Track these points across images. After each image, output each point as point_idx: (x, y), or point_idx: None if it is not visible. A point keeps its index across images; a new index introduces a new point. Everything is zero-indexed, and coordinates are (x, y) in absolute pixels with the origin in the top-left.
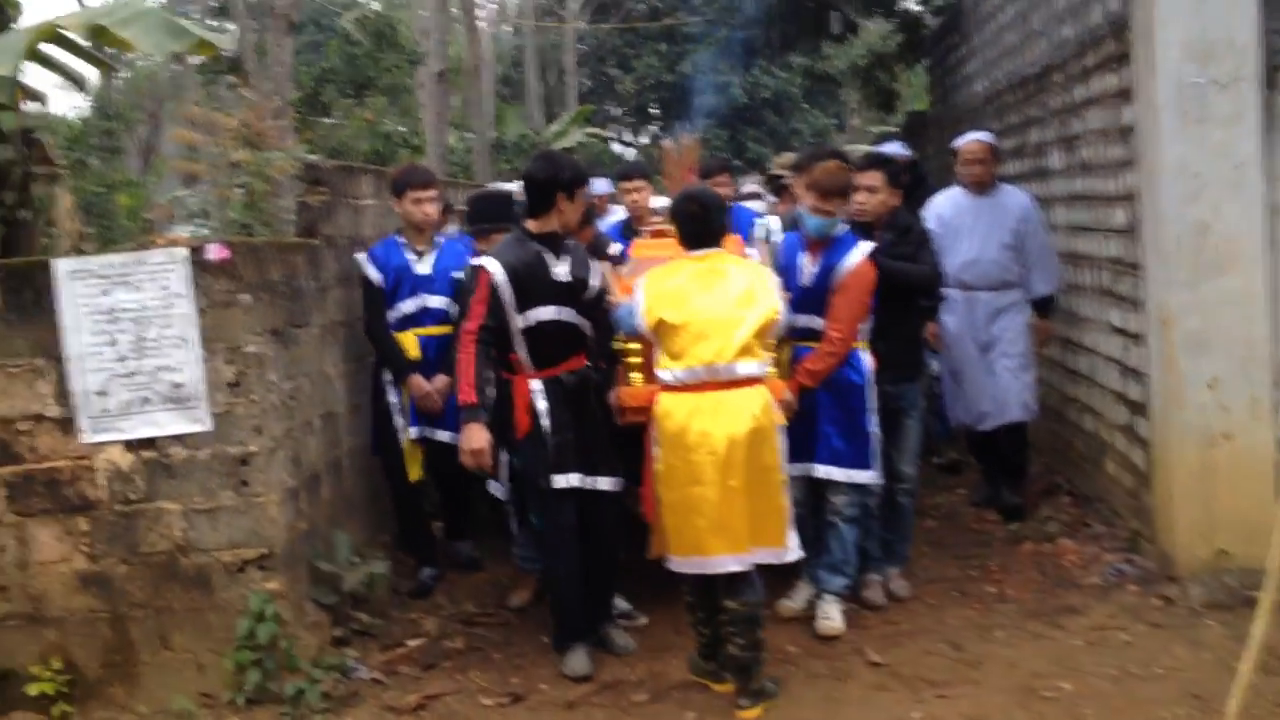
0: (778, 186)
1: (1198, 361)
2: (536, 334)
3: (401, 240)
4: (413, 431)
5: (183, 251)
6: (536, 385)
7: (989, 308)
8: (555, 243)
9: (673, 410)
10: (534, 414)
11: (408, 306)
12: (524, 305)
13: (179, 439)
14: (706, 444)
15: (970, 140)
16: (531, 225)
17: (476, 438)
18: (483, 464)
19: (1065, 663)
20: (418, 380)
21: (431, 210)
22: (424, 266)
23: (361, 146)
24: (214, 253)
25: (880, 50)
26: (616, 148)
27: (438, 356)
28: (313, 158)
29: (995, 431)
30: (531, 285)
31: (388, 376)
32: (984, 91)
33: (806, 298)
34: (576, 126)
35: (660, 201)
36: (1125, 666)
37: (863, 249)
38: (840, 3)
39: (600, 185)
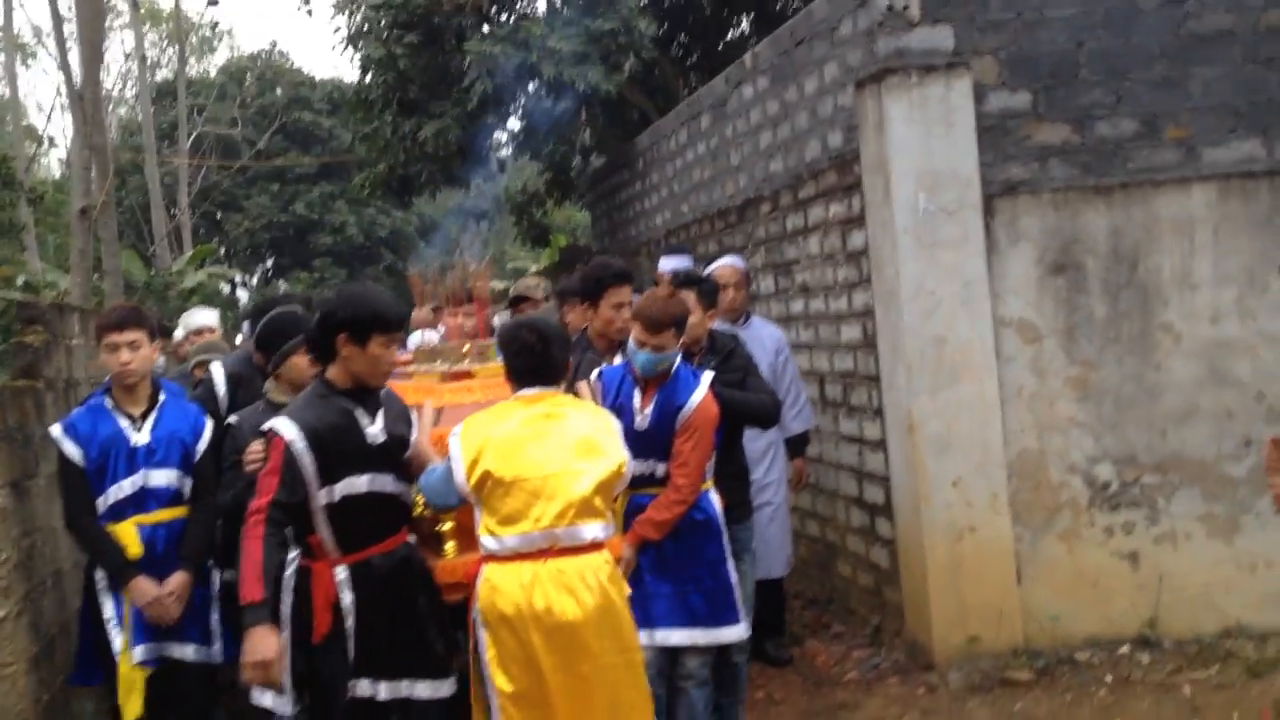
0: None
1: (941, 462)
2: (344, 510)
3: (107, 404)
4: (136, 653)
5: None
6: (342, 574)
7: (751, 450)
8: (365, 396)
9: (503, 585)
10: (337, 610)
11: (124, 488)
12: (329, 476)
13: None
14: (549, 622)
15: (722, 265)
16: (334, 377)
17: (264, 645)
18: (271, 680)
19: None
20: (142, 584)
21: (130, 359)
22: (142, 435)
23: None
24: None
25: (533, 189)
26: (225, 289)
27: (167, 550)
28: (22, 296)
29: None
30: (339, 451)
31: (101, 582)
32: (665, 225)
33: (642, 441)
34: (194, 266)
35: (417, 338)
36: None
37: (705, 382)
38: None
39: (202, 317)
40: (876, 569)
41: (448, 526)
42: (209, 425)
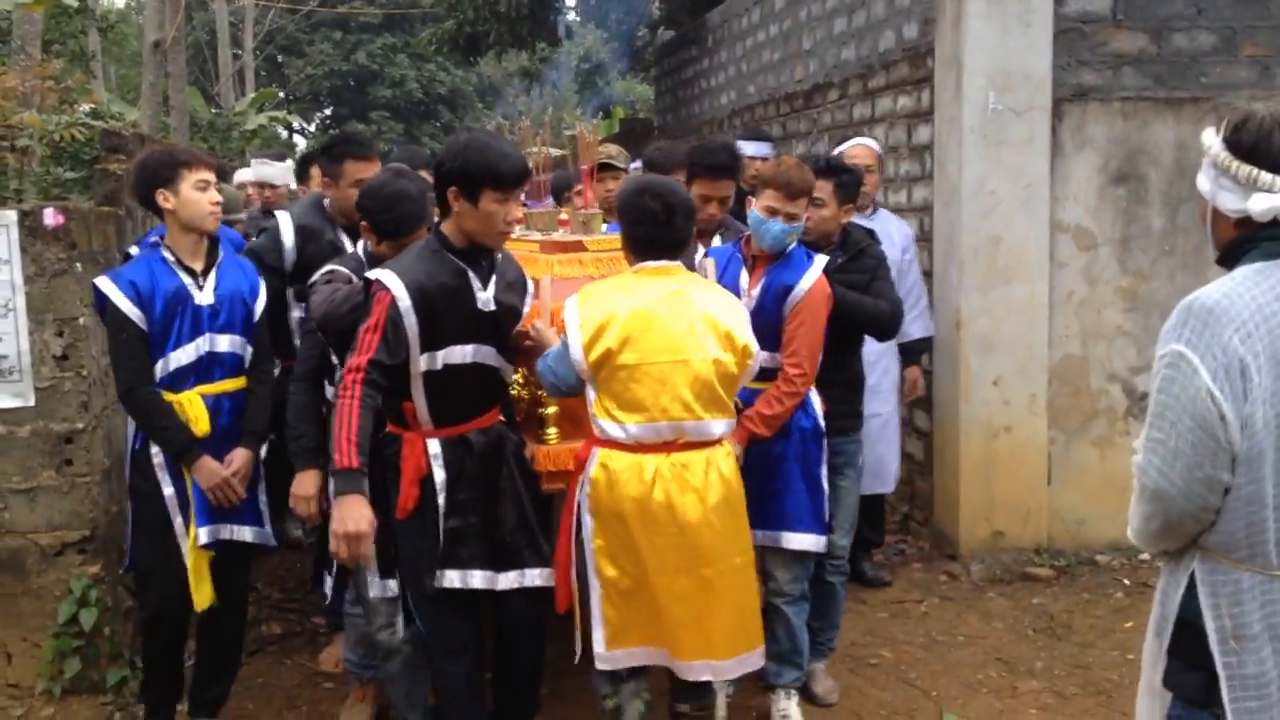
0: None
1: (985, 360)
2: (443, 380)
3: (168, 255)
4: (202, 535)
5: (11, 215)
6: (435, 447)
7: (867, 352)
8: (479, 256)
9: (623, 476)
10: (427, 486)
11: (187, 353)
12: (433, 342)
13: None
14: (673, 521)
15: (856, 146)
16: (449, 231)
17: (356, 515)
18: (362, 554)
19: (878, 633)
20: (209, 464)
21: (218, 200)
22: (205, 294)
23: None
24: (50, 218)
25: (598, 58)
26: (284, 133)
27: (232, 424)
28: (106, 123)
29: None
30: (447, 316)
31: (158, 459)
32: (730, 105)
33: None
34: (256, 109)
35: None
36: (931, 635)
37: (819, 265)
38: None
39: (273, 172)
40: (910, 459)
41: (551, 410)
42: (263, 284)
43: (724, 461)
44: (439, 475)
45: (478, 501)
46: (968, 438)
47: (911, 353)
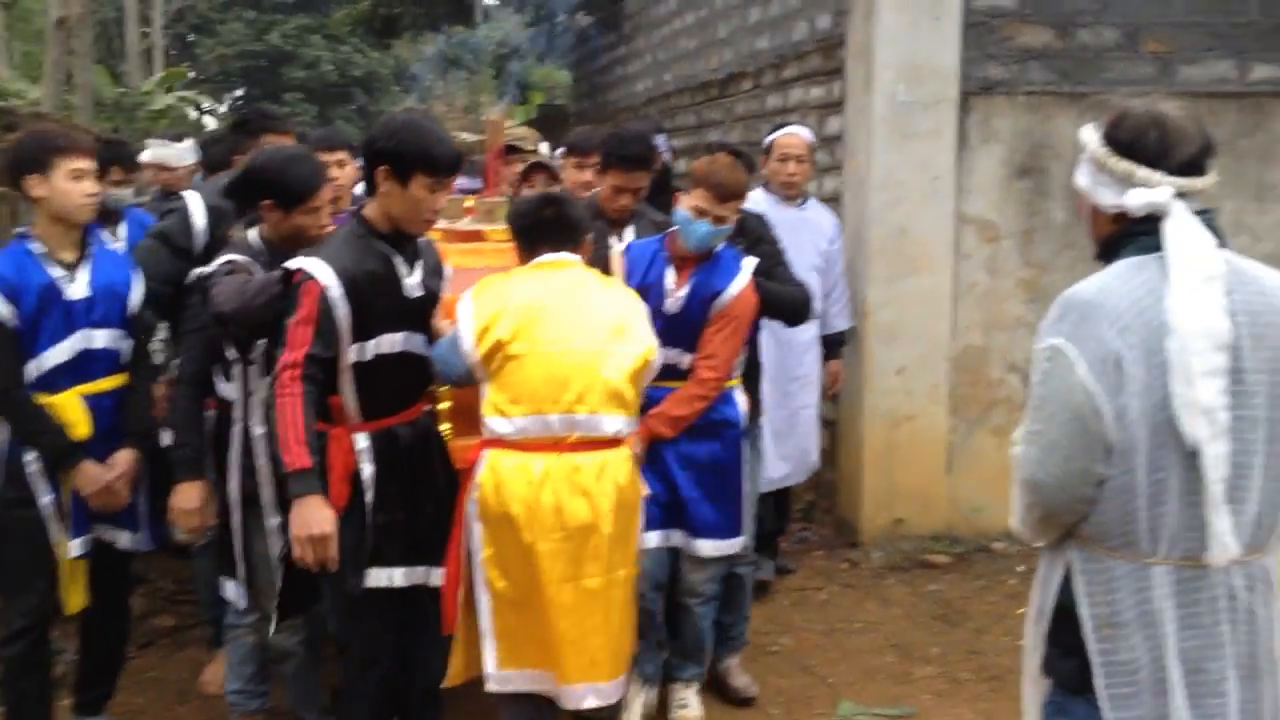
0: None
1: (889, 350)
2: (372, 371)
3: (35, 249)
4: (74, 546)
5: None
6: (363, 442)
7: (795, 345)
8: (403, 242)
9: (509, 477)
10: (355, 482)
11: (61, 352)
12: (364, 332)
13: None
14: (561, 525)
15: (789, 134)
16: (373, 216)
17: (319, 517)
18: (330, 557)
19: (779, 621)
20: (90, 469)
21: (94, 191)
22: (78, 287)
23: None
24: None
25: (515, 43)
26: (193, 113)
27: (112, 424)
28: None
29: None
30: (376, 304)
31: (33, 466)
32: (646, 92)
33: (670, 327)
34: (164, 88)
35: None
36: (831, 622)
37: (748, 269)
38: None
39: (170, 153)
40: None
41: (444, 406)
42: (139, 275)
43: (620, 466)
44: (366, 470)
45: (404, 496)
46: (871, 427)
47: (834, 345)
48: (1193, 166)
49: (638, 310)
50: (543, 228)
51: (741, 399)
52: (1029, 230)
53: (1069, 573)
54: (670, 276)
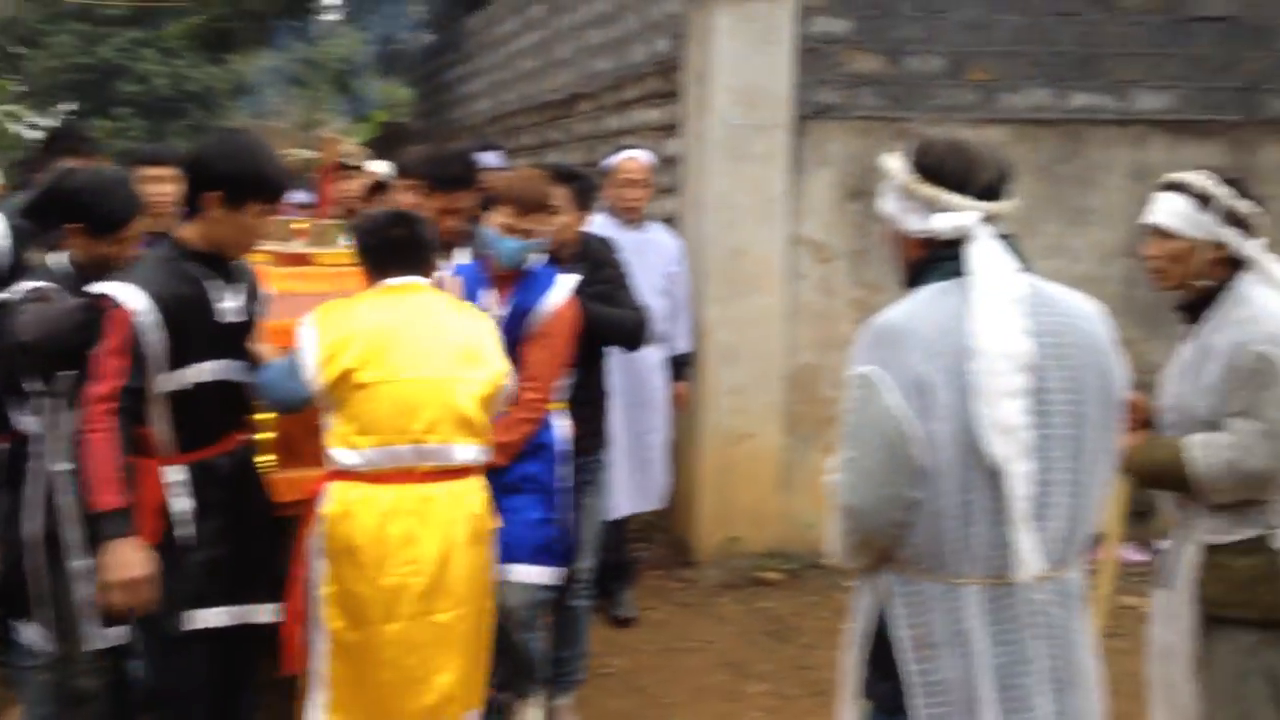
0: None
1: (726, 370)
2: (187, 400)
3: None
4: None
5: None
6: (176, 475)
7: (642, 368)
8: (219, 264)
9: (356, 509)
10: (168, 518)
11: None
12: (178, 360)
13: None
14: (409, 560)
15: (629, 158)
16: (191, 238)
17: (135, 560)
18: (143, 600)
19: (613, 642)
20: None
21: None
22: None
23: None
24: None
25: (357, 60)
26: (15, 128)
27: None
28: None
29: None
30: (191, 330)
31: None
32: (489, 111)
33: None
34: None
35: None
36: (666, 642)
37: (565, 284)
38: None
39: None
40: None
41: (267, 436)
42: None
43: (473, 496)
44: (182, 505)
45: (225, 531)
46: (708, 446)
47: (681, 366)
48: (993, 191)
49: (489, 334)
50: (392, 248)
51: (562, 423)
52: (861, 251)
53: (885, 596)
54: (489, 297)
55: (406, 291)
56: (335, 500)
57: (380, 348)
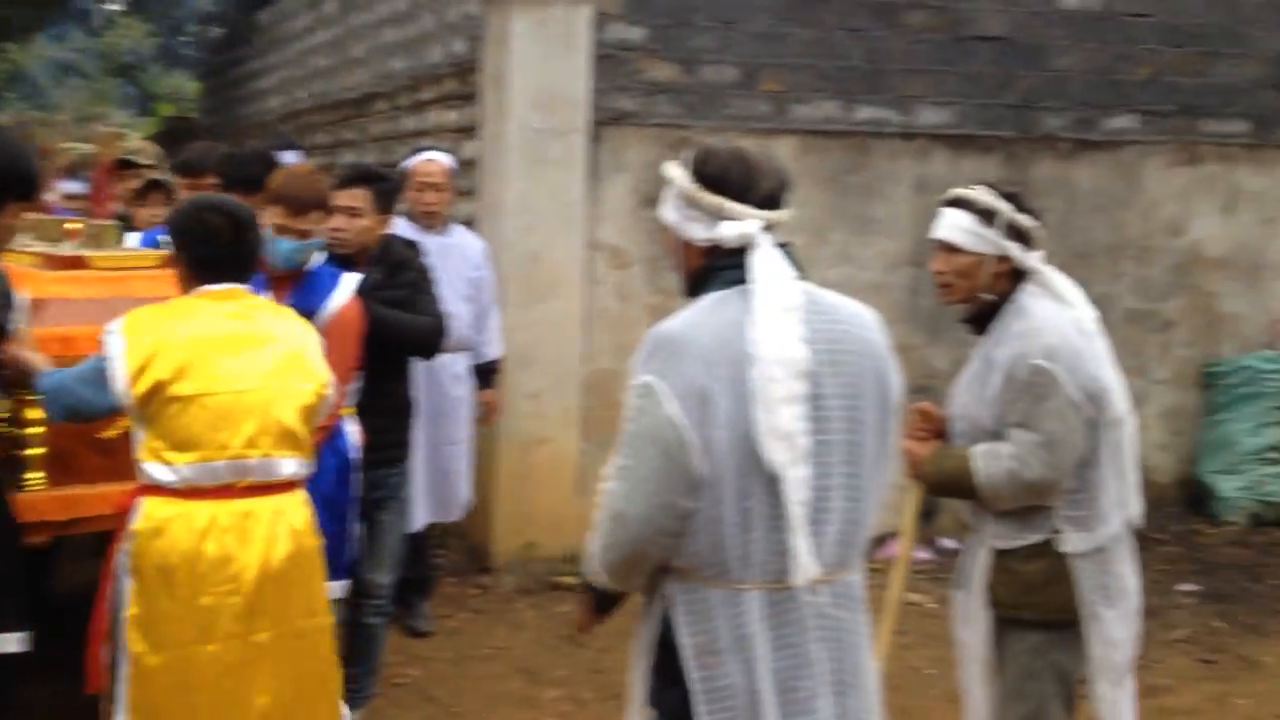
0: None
1: (523, 375)
2: None
3: None
4: None
5: None
6: None
7: (444, 376)
8: None
9: (169, 527)
10: None
11: None
12: None
13: None
14: (226, 579)
15: (427, 159)
16: None
17: None
18: None
19: (407, 651)
20: None
21: None
22: None
23: None
24: None
25: (142, 51)
26: None
27: None
28: None
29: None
30: None
31: None
32: (281, 108)
33: None
34: None
35: None
36: (461, 650)
37: (347, 284)
38: None
39: None
40: None
41: (36, 451)
42: None
43: (296, 511)
44: None
45: None
46: (505, 451)
47: (487, 374)
48: (774, 200)
49: (311, 342)
50: (212, 248)
51: (353, 429)
52: (657, 258)
53: (669, 604)
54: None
55: (225, 299)
56: (147, 517)
57: (197, 358)
